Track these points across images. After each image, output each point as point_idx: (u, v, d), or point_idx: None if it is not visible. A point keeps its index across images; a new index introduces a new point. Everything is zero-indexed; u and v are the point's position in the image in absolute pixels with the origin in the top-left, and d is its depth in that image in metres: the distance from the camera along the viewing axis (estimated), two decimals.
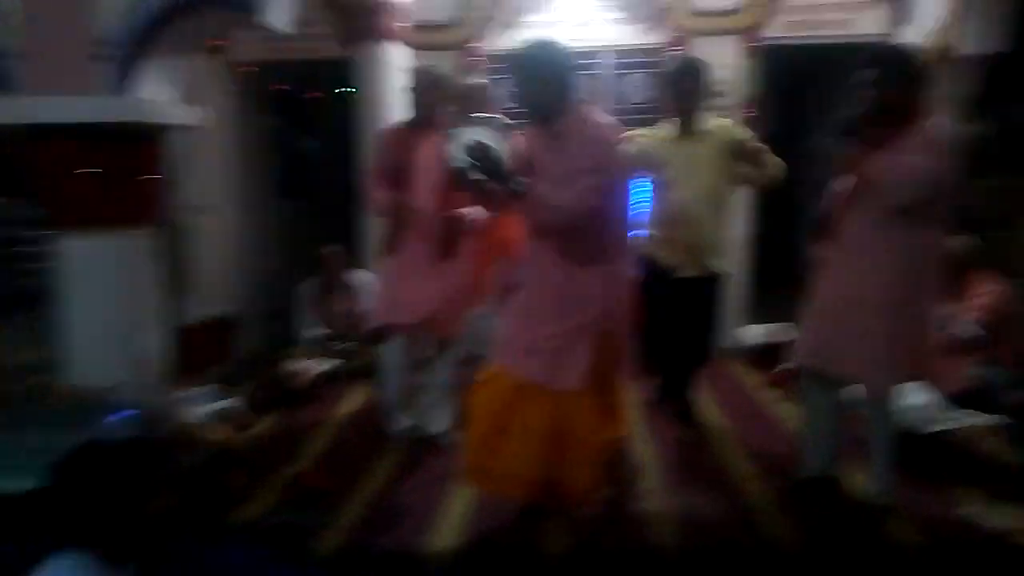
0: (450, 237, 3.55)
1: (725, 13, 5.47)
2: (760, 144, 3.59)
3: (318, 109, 6.94)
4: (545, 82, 2.64)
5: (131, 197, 2.88)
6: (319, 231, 5.53)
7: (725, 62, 5.51)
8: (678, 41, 5.51)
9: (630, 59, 5.67)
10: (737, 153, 3.59)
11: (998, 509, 2.95)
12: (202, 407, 3.85)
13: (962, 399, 3.54)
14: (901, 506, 3.02)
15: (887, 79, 2.78)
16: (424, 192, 3.52)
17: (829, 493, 3.13)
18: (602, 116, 2.78)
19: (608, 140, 2.72)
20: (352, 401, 4.55)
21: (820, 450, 3.18)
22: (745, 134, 3.68)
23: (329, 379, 4.77)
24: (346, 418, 4.27)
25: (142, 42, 2.71)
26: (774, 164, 3.55)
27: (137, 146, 2.86)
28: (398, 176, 3.54)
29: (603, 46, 5.55)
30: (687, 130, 3.60)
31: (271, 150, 6.03)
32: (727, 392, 4.66)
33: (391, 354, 3.81)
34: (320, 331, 5.16)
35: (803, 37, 5.52)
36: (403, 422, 3.87)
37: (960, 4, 4.51)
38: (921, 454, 3.32)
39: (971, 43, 4.57)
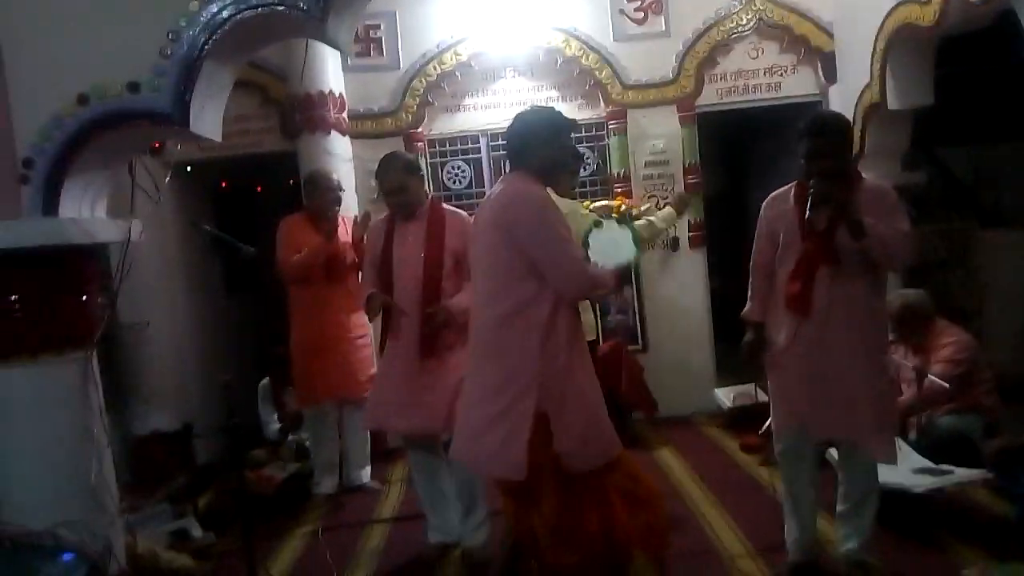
0: (433, 332, 3.27)
1: (658, 85, 5.60)
2: None
3: (262, 202, 6.86)
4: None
5: (60, 321, 2.69)
6: (269, 325, 5.37)
7: (663, 131, 5.63)
8: (615, 115, 5.60)
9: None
10: None
11: (1000, 568, 2.87)
12: (158, 529, 3.60)
13: (939, 453, 3.49)
14: (903, 572, 2.95)
15: (835, 148, 2.82)
16: (406, 285, 3.33)
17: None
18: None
19: None
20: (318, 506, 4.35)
21: (804, 529, 3.03)
22: None
23: (294, 481, 4.54)
24: (314, 528, 4.04)
25: (65, 160, 2.58)
26: None
27: (63, 268, 2.69)
28: (383, 270, 3.40)
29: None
30: None
31: (214, 248, 5.88)
32: (706, 458, 4.61)
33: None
34: (276, 426, 5.05)
35: (736, 102, 5.67)
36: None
37: (884, 62, 4.66)
38: (915, 516, 3.26)
39: (897, 99, 4.72)
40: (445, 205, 3.52)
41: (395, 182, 3.33)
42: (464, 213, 3.44)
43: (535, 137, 2.71)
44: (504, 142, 2.90)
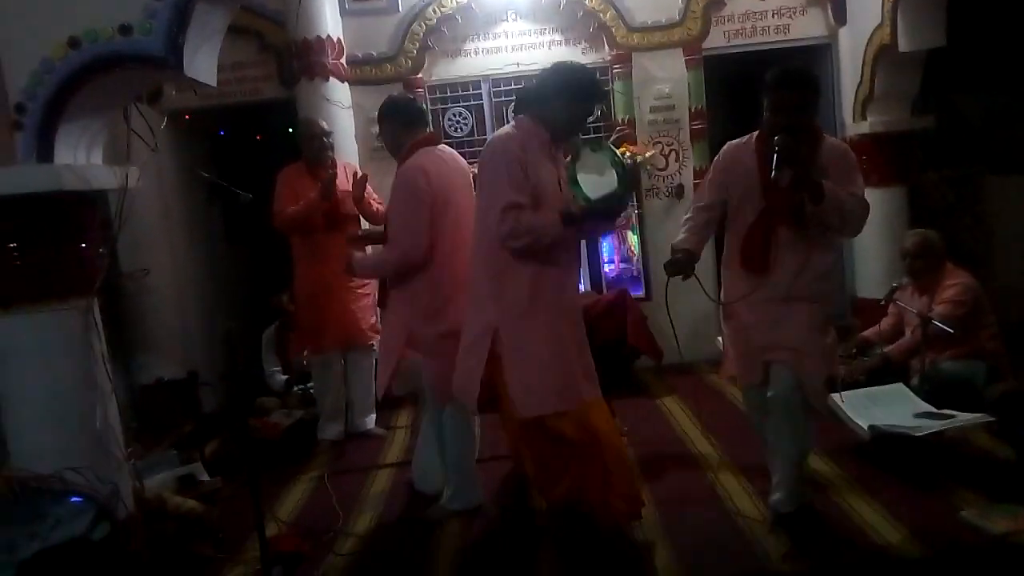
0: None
1: (664, 27, 5.47)
2: None
3: (261, 150, 6.79)
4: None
5: (61, 268, 2.69)
6: (271, 273, 5.37)
7: (669, 75, 5.52)
8: (619, 58, 5.49)
9: None
10: None
11: (997, 509, 2.89)
12: (164, 474, 3.64)
13: (942, 397, 3.49)
14: (903, 514, 2.97)
15: (803, 103, 2.71)
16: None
17: (811, 519, 3.01)
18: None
19: None
20: (324, 452, 4.40)
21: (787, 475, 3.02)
22: None
23: (299, 428, 4.59)
24: (319, 473, 4.09)
25: (58, 105, 2.54)
26: None
27: (63, 216, 2.67)
28: None
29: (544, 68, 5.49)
30: None
31: (213, 196, 5.85)
32: (709, 405, 4.63)
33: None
34: (283, 377, 5.10)
35: (744, 45, 5.55)
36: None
37: (896, 3, 4.53)
38: (916, 459, 3.27)
39: (908, 40, 4.60)
40: (426, 150, 3.19)
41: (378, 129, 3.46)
42: (419, 162, 3.15)
43: (557, 92, 2.72)
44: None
